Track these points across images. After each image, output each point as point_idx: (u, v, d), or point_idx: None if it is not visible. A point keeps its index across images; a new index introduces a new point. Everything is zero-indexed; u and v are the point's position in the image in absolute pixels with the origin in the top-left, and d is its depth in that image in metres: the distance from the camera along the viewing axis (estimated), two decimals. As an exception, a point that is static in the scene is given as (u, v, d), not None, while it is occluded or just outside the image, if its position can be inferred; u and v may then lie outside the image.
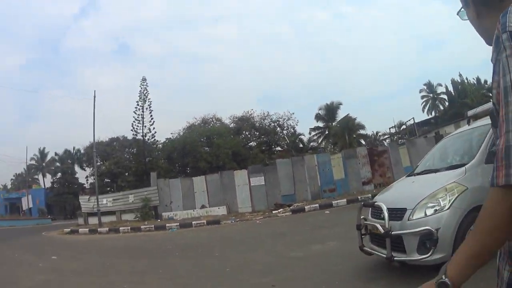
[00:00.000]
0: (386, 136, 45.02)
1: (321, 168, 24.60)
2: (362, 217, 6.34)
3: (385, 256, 5.51)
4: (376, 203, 5.84)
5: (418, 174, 6.67)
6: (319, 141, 45.68)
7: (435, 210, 5.24)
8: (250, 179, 23.99)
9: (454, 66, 79.89)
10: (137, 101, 31.21)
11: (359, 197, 20.38)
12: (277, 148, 38.82)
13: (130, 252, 12.75)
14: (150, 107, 31.17)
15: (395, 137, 40.59)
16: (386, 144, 29.43)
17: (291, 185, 24.21)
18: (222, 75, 75.89)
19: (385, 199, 5.92)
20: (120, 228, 20.59)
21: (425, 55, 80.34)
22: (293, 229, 13.87)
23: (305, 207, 20.23)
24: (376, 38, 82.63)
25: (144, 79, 31.81)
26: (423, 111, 49.32)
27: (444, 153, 7.04)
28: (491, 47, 1.20)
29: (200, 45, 78.80)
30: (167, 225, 20.05)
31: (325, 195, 23.90)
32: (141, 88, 31.30)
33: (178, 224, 20.02)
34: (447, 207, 5.17)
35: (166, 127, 52.81)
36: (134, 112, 31.04)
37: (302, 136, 42.89)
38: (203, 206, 24.21)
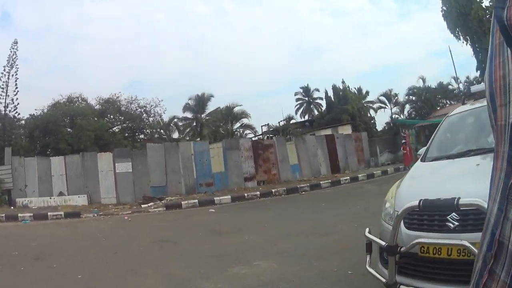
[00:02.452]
0: (257, 135, 43.57)
1: (198, 158, 21.41)
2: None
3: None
4: (466, 202, 2.83)
5: (456, 156, 4.43)
6: (186, 132, 42.57)
7: None
8: (116, 164, 19.79)
9: (328, 75, 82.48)
10: (4, 66, 26.43)
11: (245, 194, 17.73)
12: (141, 136, 35.34)
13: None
14: (16, 74, 26.61)
15: (265, 137, 39.20)
16: (274, 139, 27.40)
17: (163, 176, 20.60)
18: (92, 55, 68.28)
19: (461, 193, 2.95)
20: (-29, 217, 15.84)
21: (301, 61, 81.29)
22: (180, 233, 10.40)
23: (182, 202, 16.93)
24: (254, 38, 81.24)
25: (15, 42, 26.95)
26: (296, 113, 49.23)
27: (474, 132, 4.99)
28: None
29: (76, 22, 70.05)
30: (19, 215, 15.78)
31: (201, 189, 20.79)
32: (11, 52, 26.59)
33: (32, 214, 15.82)
34: None
35: (31, 104, 45.62)
36: None
37: (176, 120, 39.40)
38: (61, 194, 19.50)
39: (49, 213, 15.86)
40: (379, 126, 45.07)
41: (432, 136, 5.37)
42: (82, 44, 68.87)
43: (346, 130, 30.51)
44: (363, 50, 76.37)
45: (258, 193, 18.04)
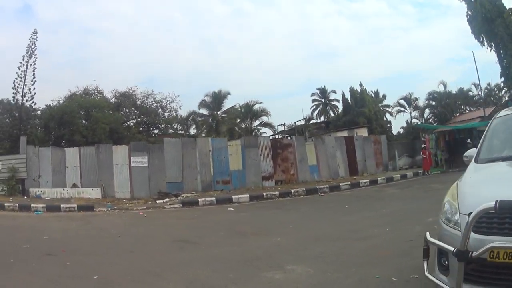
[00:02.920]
0: (274, 134, 43.21)
1: (216, 155, 20.91)
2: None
3: None
4: None
5: None
6: (202, 128, 42.11)
7: None
8: (131, 158, 19.39)
9: (344, 78, 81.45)
10: (23, 56, 26.36)
11: (264, 194, 17.21)
12: (155, 131, 34.91)
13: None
14: (35, 64, 26.46)
15: (282, 136, 38.70)
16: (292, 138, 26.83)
17: (179, 171, 20.14)
18: (108, 50, 68.63)
19: None
20: (-16, 205, 15.76)
21: (317, 63, 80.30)
22: (200, 232, 9.84)
23: (199, 199, 16.43)
24: (271, 39, 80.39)
25: (35, 32, 26.88)
26: (312, 114, 48.73)
27: None
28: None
29: (94, 17, 70.48)
30: (32, 205, 15.60)
31: (217, 186, 20.29)
32: (30, 41, 26.52)
33: (45, 205, 15.61)
34: None
35: (48, 95, 45.92)
36: (18, 68, 26.18)
37: (195, 116, 38.98)
38: (74, 185, 19.21)
39: (62, 205, 15.60)
40: (395, 131, 44.57)
41: (482, 138, 5.24)
42: (99, 39, 69.43)
43: (363, 133, 29.97)
44: (380, 54, 75.41)
45: (277, 192, 17.52)
